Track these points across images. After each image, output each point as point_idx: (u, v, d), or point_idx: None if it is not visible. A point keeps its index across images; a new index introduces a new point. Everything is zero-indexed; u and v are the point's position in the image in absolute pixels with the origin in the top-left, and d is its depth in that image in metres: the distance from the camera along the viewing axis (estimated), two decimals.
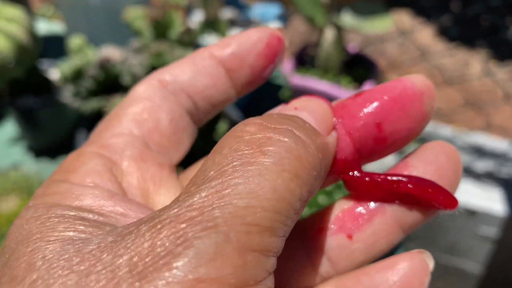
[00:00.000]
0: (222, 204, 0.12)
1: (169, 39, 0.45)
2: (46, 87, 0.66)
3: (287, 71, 0.80)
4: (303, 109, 0.16)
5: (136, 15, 0.45)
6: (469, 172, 1.22)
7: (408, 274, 0.16)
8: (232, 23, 0.84)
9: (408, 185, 0.16)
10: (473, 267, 1.26)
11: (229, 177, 0.13)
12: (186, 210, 0.12)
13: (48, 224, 0.14)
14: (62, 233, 0.13)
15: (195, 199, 0.12)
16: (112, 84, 0.51)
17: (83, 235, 0.13)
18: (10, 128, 0.75)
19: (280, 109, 0.17)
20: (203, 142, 0.54)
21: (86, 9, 0.75)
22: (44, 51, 0.82)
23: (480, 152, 1.19)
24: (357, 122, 0.16)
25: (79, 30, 0.76)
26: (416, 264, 0.16)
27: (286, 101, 0.83)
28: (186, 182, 0.18)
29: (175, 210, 0.12)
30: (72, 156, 0.17)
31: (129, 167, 0.17)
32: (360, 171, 0.17)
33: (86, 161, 0.16)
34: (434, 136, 1.27)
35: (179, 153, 0.19)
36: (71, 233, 0.13)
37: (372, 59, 0.86)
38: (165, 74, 0.19)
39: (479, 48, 2.04)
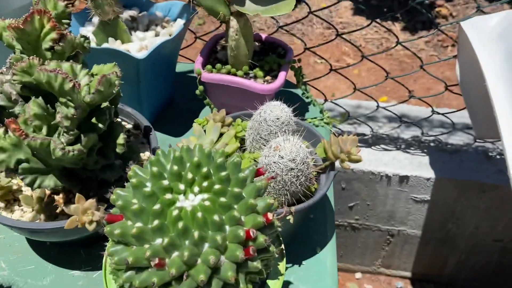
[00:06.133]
0: None
1: (41, 51, 0.41)
2: None
3: (199, 67, 0.77)
4: None
5: (2, 26, 0.40)
6: (398, 141, 1.26)
7: None
8: (134, 20, 0.80)
9: None
10: (413, 230, 1.31)
11: None
12: None
13: None
14: None
15: None
16: None
17: None
18: None
19: None
20: (101, 158, 0.51)
21: None
22: None
23: (406, 121, 1.23)
24: None
25: None
26: None
27: (201, 98, 0.81)
28: None
29: None
30: None
31: None
32: None
33: None
34: (358, 111, 1.30)
35: None
36: None
37: (285, 44, 0.85)
38: None
39: (398, 18, 2.11)
